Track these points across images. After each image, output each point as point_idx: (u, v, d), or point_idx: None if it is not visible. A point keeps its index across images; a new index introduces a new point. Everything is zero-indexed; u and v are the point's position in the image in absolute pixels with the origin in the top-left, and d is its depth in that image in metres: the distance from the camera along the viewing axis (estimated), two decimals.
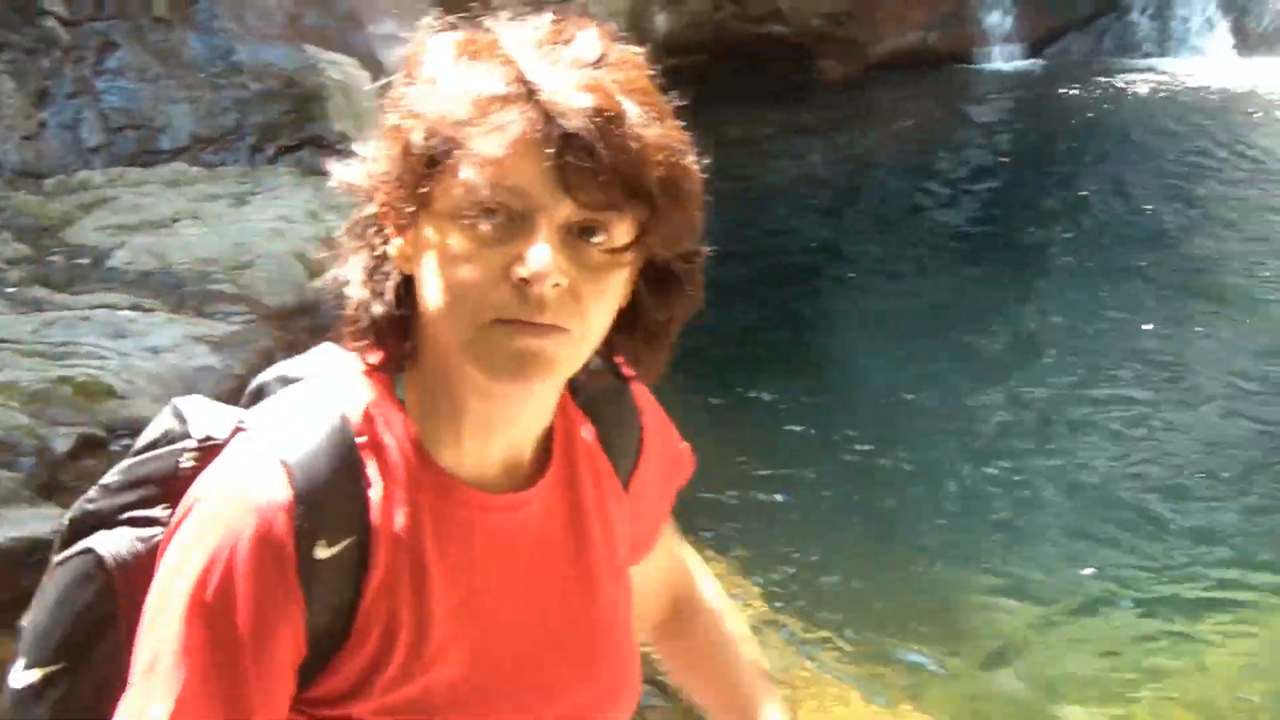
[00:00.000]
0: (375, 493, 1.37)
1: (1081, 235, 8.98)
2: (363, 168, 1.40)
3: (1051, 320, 7.76)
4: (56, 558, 1.53)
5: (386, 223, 1.39)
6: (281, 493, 1.33)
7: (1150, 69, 12.24)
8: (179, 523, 1.36)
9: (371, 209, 1.40)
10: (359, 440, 1.39)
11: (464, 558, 1.45)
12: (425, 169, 1.34)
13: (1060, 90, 12.06)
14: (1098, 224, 9.14)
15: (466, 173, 1.33)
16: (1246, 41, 12.31)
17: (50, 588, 1.51)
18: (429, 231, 1.36)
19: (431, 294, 1.37)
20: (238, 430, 1.40)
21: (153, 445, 1.54)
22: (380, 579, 1.38)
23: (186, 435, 1.52)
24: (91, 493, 1.55)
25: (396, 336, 1.41)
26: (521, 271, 1.30)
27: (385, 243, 1.40)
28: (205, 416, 1.53)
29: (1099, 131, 11.08)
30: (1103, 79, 12.00)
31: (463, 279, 1.35)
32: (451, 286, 1.36)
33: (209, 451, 1.47)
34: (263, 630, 1.33)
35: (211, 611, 1.32)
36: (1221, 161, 10.07)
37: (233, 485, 1.35)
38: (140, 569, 1.44)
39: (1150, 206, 9.40)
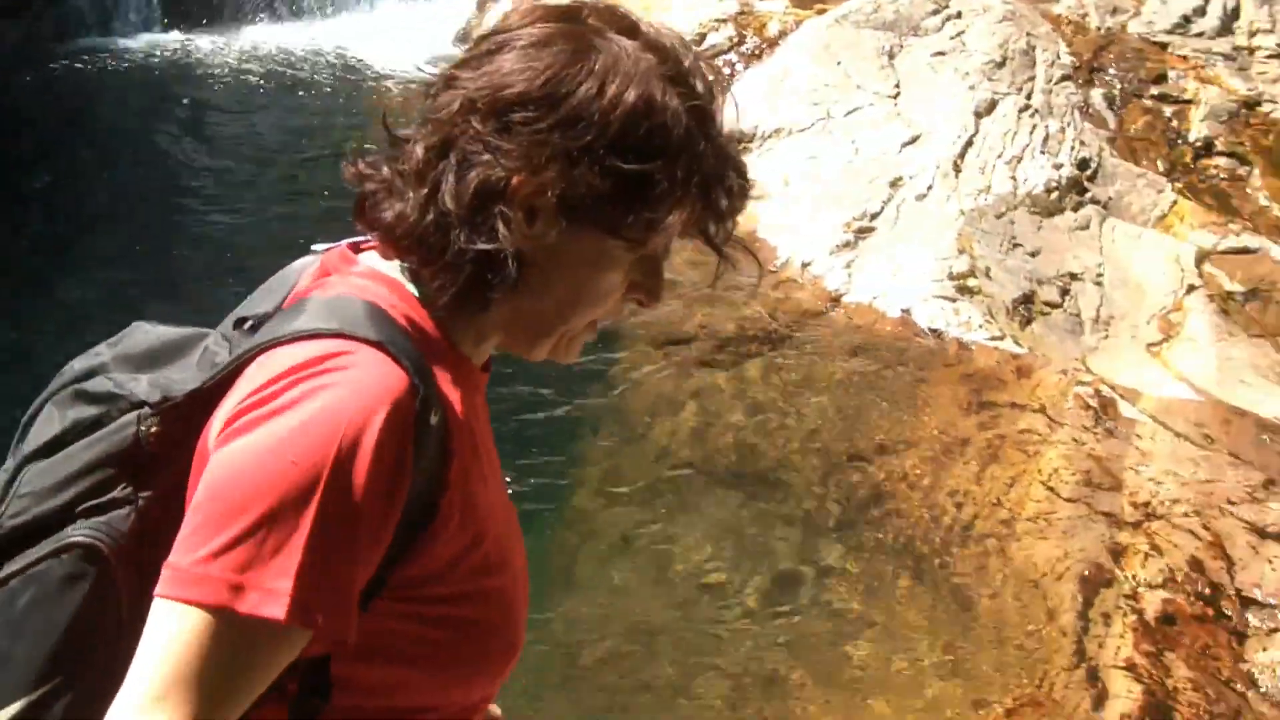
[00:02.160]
0: (440, 377, 1.52)
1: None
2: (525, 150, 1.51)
3: None
4: None
5: (536, 200, 1.53)
6: (399, 373, 1.45)
7: (94, 49, 11.49)
8: (275, 414, 1.40)
9: (501, 173, 1.51)
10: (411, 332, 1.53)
11: (483, 433, 1.64)
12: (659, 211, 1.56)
13: None
14: None
15: (673, 219, 1.58)
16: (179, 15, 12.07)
17: (11, 609, 1.48)
18: (590, 240, 1.55)
19: (563, 285, 1.58)
20: (299, 338, 1.47)
21: (77, 433, 1.55)
22: (458, 455, 1.52)
23: (120, 408, 1.55)
24: (9, 508, 1.54)
25: (468, 268, 1.52)
26: (646, 303, 1.67)
27: (502, 197, 1.51)
28: (122, 384, 1.57)
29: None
30: (49, 64, 11.04)
31: (604, 291, 1.60)
32: (590, 293, 1.60)
33: (171, 411, 1.54)
34: (386, 504, 1.42)
35: (341, 491, 1.39)
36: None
37: (349, 375, 1.42)
38: (130, 550, 1.49)
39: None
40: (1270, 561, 5.67)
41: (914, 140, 8.72)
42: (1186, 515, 5.98)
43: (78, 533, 1.51)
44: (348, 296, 1.54)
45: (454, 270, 1.54)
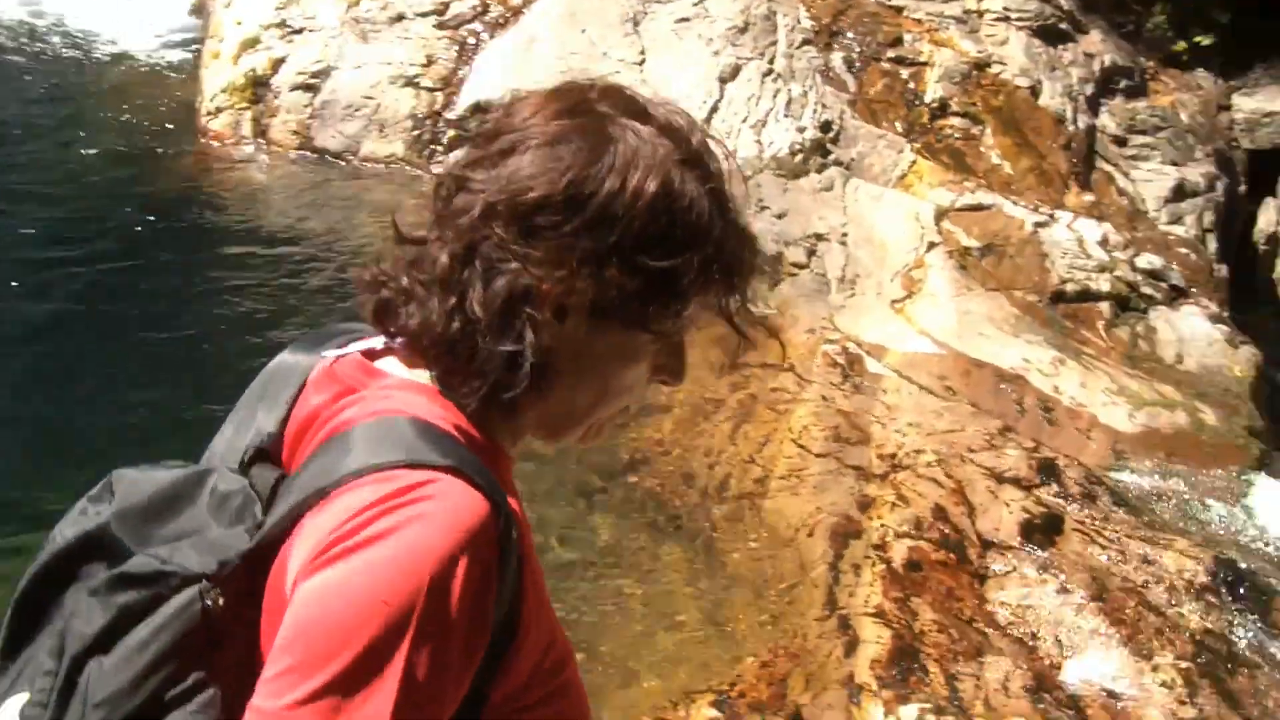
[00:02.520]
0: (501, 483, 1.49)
1: None
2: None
3: None
4: None
5: (566, 301, 1.53)
6: (479, 497, 1.41)
7: None
8: (362, 547, 1.36)
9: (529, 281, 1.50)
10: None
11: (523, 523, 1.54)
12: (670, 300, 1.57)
13: None
14: None
15: (697, 305, 1.59)
16: None
17: None
18: (618, 335, 1.56)
19: (594, 380, 1.58)
20: (384, 473, 1.41)
21: (130, 621, 1.44)
22: (527, 561, 1.51)
23: (173, 586, 1.43)
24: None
25: (498, 373, 1.51)
26: (671, 383, 1.67)
27: (531, 302, 1.49)
28: (168, 559, 1.46)
29: None
30: None
31: (632, 381, 1.61)
32: (619, 385, 1.61)
33: (231, 576, 1.45)
34: (479, 635, 1.41)
35: (434, 630, 1.36)
36: None
37: (435, 505, 1.39)
38: None
39: None
40: (1008, 505, 5.94)
41: None
42: (930, 465, 6.23)
43: None
44: (394, 416, 1.50)
45: (483, 376, 1.52)
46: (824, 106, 9.28)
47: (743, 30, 9.57)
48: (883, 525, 5.76)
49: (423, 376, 1.58)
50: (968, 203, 8.94)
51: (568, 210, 1.51)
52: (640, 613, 5.30)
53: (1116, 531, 6.08)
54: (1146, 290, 8.90)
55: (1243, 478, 7.57)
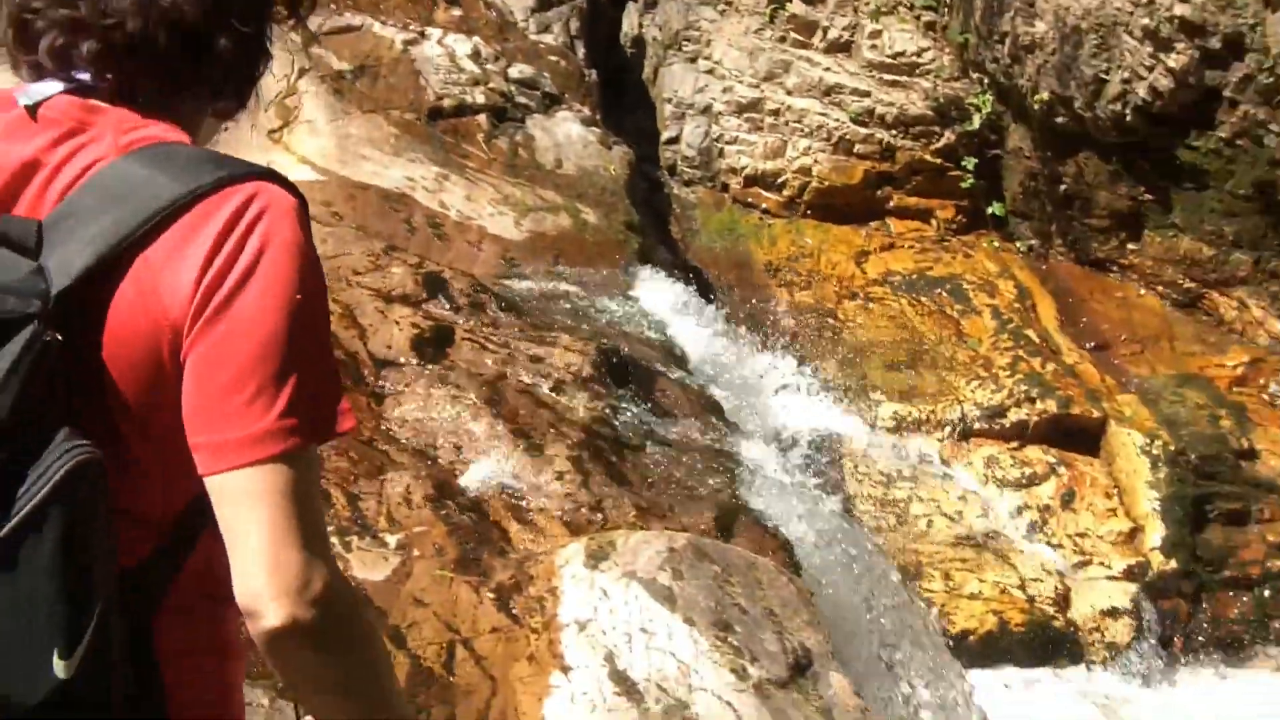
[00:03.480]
0: None
1: None
2: None
3: None
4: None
5: None
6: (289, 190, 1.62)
7: None
8: (267, 252, 1.51)
9: None
10: None
11: None
12: None
13: None
14: None
15: None
16: None
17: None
18: None
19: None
20: (223, 190, 1.53)
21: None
22: None
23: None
24: None
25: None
26: None
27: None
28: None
29: None
30: None
31: None
32: None
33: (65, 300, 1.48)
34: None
35: (324, 307, 1.58)
36: None
37: (285, 203, 1.58)
38: None
39: None
40: (397, 323, 5.96)
41: None
42: None
43: (63, 457, 1.44)
44: (165, 138, 1.60)
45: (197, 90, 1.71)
46: None
47: None
48: None
49: (136, 110, 1.63)
50: (335, 25, 8.79)
51: None
52: None
53: (505, 335, 6.24)
54: (521, 100, 9.09)
55: (627, 271, 7.99)
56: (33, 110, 1.60)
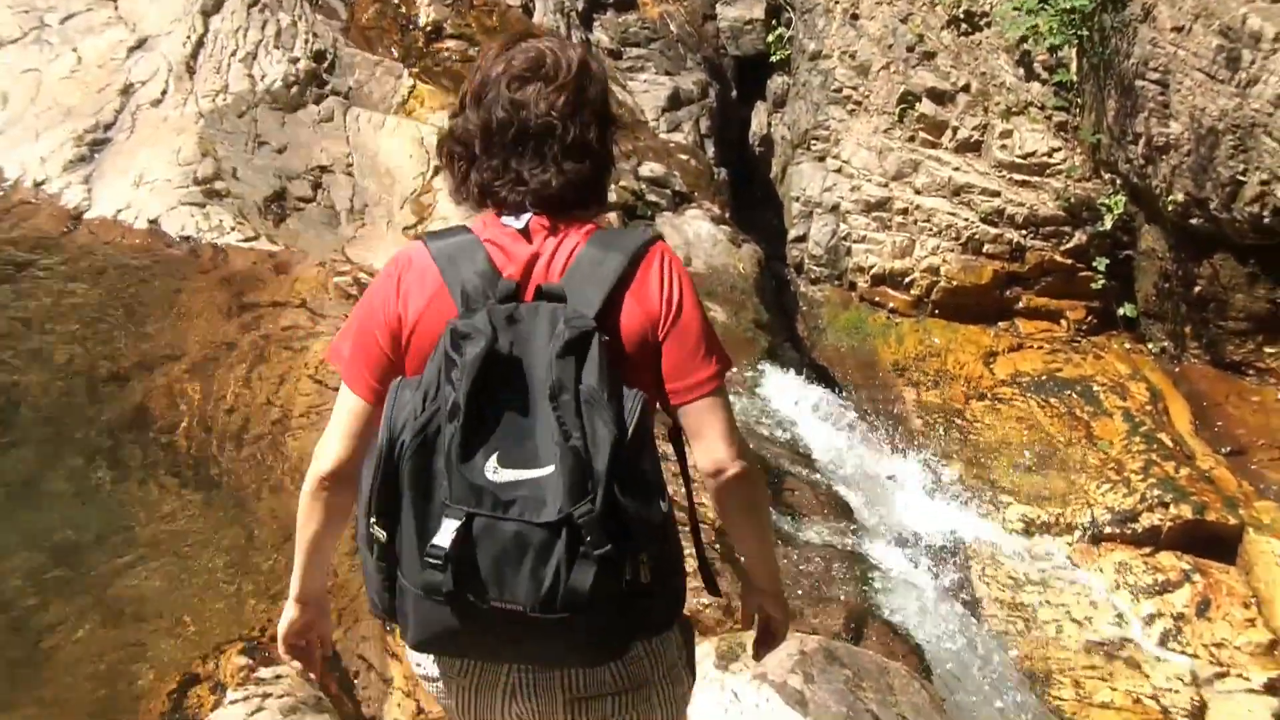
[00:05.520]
0: None
1: None
2: None
3: None
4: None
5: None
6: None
7: None
8: (679, 276, 2.60)
9: None
10: None
11: None
12: None
13: None
14: None
15: None
16: None
17: None
18: None
19: None
20: (643, 250, 2.59)
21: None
22: None
23: (585, 335, 2.47)
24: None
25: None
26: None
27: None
28: (584, 317, 2.52)
29: None
30: None
31: None
32: None
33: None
34: None
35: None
36: None
37: (663, 243, 2.64)
38: None
39: None
40: None
41: (141, 44, 8.46)
42: None
43: (635, 395, 2.48)
44: (603, 229, 2.68)
45: (604, 193, 2.79)
46: (315, 35, 9.13)
47: None
48: None
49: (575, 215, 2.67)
50: None
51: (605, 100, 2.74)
52: (165, 568, 5.13)
53: None
54: (652, 198, 9.24)
55: (755, 369, 8.05)
56: (523, 230, 2.62)
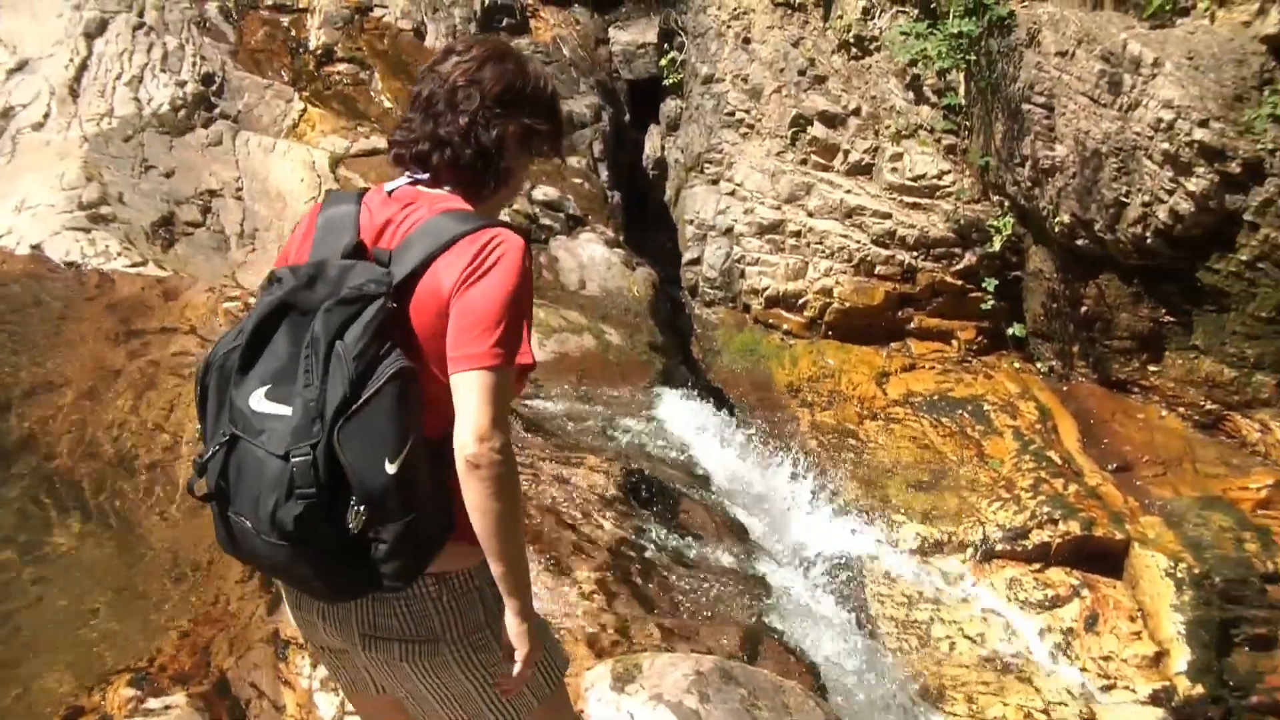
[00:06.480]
0: None
1: None
2: None
3: None
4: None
5: (515, 140, 2.96)
6: (522, 239, 2.77)
7: None
8: (498, 263, 2.68)
9: None
10: None
11: None
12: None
13: None
14: None
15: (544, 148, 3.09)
16: None
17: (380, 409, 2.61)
18: (523, 158, 3.01)
19: (516, 181, 3.02)
20: (479, 231, 2.72)
21: (352, 319, 2.66)
22: None
23: (366, 299, 2.67)
24: (353, 366, 2.60)
25: (493, 180, 2.93)
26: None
27: (503, 139, 2.94)
28: (360, 288, 2.70)
29: None
30: None
31: (521, 181, 3.12)
32: (519, 183, 3.08)
33: (394, 290, 2.72)
34: (530, 302, 2.79)
35: (528, 296, 2.75)
36: None
37: (512, 240, 2.72)
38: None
39: None
40: None
41: (21, 67, 8.35)
42: None
43: (395, 363, 2.64)
44: (460, 208, 2.85)
45: (483, 183, 2.95)
46: (203, 59, 9.07)
47: None
48: None
49: (445, 191, 2.93)
50: (362, 148, 9.00)
51: (517, 96, 2.96)
52: (50, 600, 5.07)
53: (530, 456, 6.33)
54: (546, 221, 9.28)
55: (649, 391, 8.09)
56: (390, 193, 2.94)
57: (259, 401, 2.68)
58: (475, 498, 2.70)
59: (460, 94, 2.91)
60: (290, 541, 2.61)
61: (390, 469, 2.60)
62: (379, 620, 2.88)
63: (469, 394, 2.67)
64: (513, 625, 2.85)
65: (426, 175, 2.93)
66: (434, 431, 2.74)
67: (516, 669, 2.89)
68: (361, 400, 2.61)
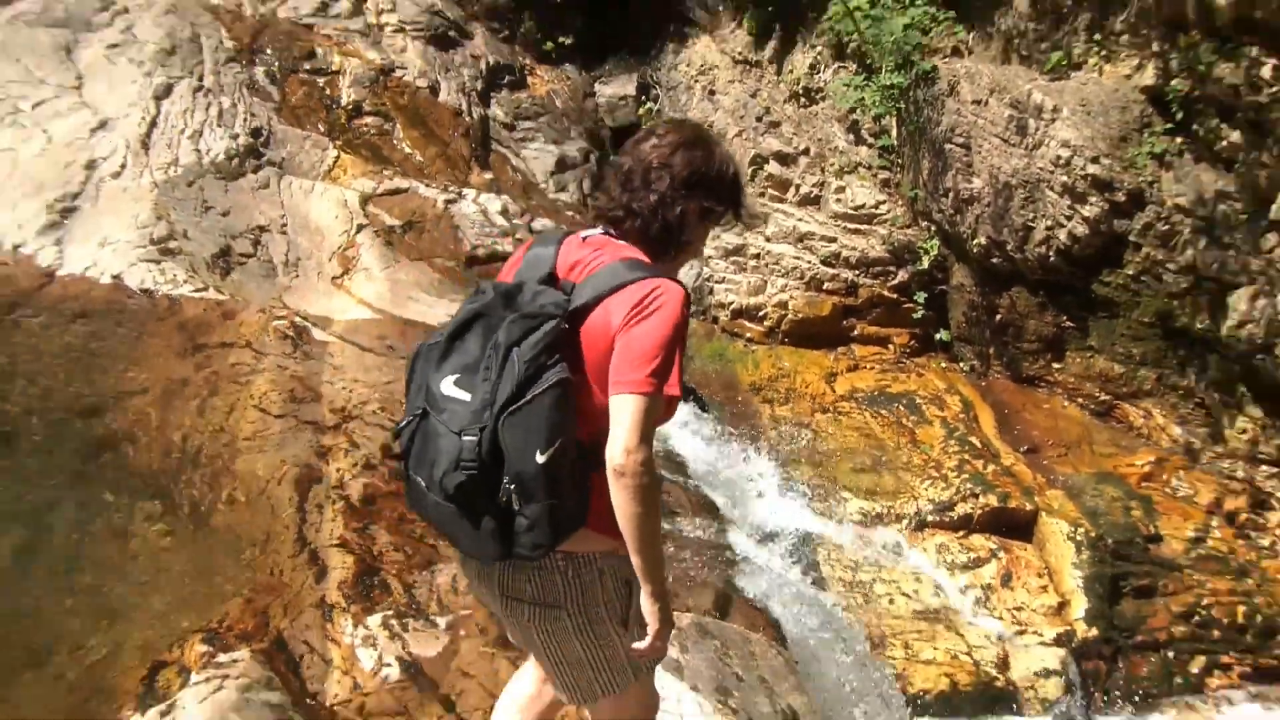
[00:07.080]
0: None
1: None
2: None
3: None
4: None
5: (696, 215, 3.10)
6: (684, 290, 2.88)
7: None
8: (660, 309, 2.80)
9: None
10: None
11: None
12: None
13: None
14: None
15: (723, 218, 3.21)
16: None
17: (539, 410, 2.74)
18: (702, 228, 3.15)
19: (696, 247, 3.16)
20: (647, 280, 2.86)
21: (530, 332, 2.81)
22: None
23: (545, 316, 2.83)
24: (524, 369, 2.75)
25: (673, 245, 3.07)
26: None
27: (685, 215, 3.05)
28: (544, 308, 2.85)
29: None
30: None
31: (701, 248, 3.24)
32: (699, 248, 3.20)
33: (569, 317, 2.86)
34: (684, 344, 2.87)
35: (682, 337, 2.83)
36: None
37: (674, 290, 2.83)
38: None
39: None
40: None
41: (102, 125, 8.44)
42: (375, 413, 6.37)
43: (558, 374, 2.77)
44: (637, 257, 2.97)
45: (666, 246, 3.07)
46: (253, 115, 9.17)
47: (171, 52, 9.30)
48: (339, 469, 5.84)
49: (634, 249, 3.03)
50: (387, 188, 9.09)
51: (701, 180, 3.06)
52: (135, 573, 5.15)
53: None
54: None
55: None
56: (584, 239, 3.07)
57: (448, 387, 2.85)
58: (620, 501, 2.79)
59: (653, 174, 3.02)
60: (453, 504, 2.79)
61: (540, 459, 2.71)
62: (515, 584, 3.00)
63: (623, 413, 2.76)
64: (647, 605, 2.93)
65: (615, 231, 3.08)
66: (586, 436, 2.84)
67: (648, 641, 2.98)
68: (526, 399, 2.73)
